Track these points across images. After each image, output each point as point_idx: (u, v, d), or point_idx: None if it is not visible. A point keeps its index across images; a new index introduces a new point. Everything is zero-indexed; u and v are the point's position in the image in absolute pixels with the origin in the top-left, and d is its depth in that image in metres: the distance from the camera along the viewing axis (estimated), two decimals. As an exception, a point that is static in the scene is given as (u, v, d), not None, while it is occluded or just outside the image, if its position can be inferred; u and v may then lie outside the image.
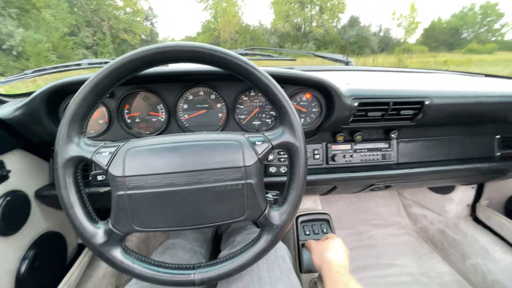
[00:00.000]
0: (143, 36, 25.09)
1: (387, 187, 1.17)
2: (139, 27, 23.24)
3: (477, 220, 1.46)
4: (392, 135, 1.01)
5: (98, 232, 0.48)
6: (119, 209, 0.47)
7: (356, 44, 32.79)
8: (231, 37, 35.58)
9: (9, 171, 0.74)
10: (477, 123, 1.09)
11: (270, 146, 0.51)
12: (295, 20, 34.96)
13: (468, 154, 1.10)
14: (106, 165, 0.46)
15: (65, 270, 0.98)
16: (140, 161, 0.47)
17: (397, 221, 1.74)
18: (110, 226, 0.48)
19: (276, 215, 0.52)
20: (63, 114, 0.47)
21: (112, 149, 0.48)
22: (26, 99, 0.71)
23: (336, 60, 1.24)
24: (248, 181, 0.49)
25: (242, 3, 37.18)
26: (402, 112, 0.89)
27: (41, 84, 0.84)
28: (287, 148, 0.53)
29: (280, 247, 0.76)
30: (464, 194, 1.47)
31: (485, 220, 1.39)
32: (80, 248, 1.13)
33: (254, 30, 36.77)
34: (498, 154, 1.11)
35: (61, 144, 0.46)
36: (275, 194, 0.80)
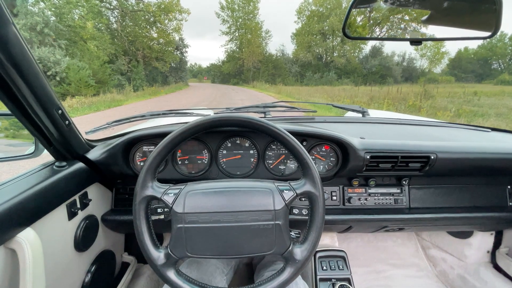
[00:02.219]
0: (172, 64, 27.10)
1: (400, 229, 1.25)
2: (170, 56, 25.29)
3: (498, 267, 1.45)
4: (404, 182, 1.12)
5: (160, 255, 0.64)
6: (177, 238, 0.63)
7: (378, 73, 32.80)
8: (254, 65, 37.27)
9: (90, 200, 0.95)
10: (487, 174, 1.17)
11: (295, 194, 0.66)
12: (317, 50, 36.09)
13: (480, 202, 1.16)
14: (171, 203, 0.64)
15: (113, 285, 1.15)
16: (196, 201, 0.64)
17: (416, 262, 1.74)
18: (169, 251, 0.64)
19: (298, 252, 0.66)
20: (143, 164, 0.66)
21: (176, 191, 0.65)
22: (110, 145, 0.94)
23: (353, 110, 1.40)
24: (277, 222, 0.64)
25: (266, 35, 39.24)
26: (410, 164, 1.01)
27: (115, 130, 1.09)
28: (309, 196, 0.67)
29: (301, 282, 0.88)
30: (483, 240, 1.48)
31: (505, 268, 1.39)
32: (123, 266, 1.30)
33: (276, 59, 38.38)
34: (511, 204, 1.17)
35: (140, 186, 0.65)
36: (297, 232, 0.93)
